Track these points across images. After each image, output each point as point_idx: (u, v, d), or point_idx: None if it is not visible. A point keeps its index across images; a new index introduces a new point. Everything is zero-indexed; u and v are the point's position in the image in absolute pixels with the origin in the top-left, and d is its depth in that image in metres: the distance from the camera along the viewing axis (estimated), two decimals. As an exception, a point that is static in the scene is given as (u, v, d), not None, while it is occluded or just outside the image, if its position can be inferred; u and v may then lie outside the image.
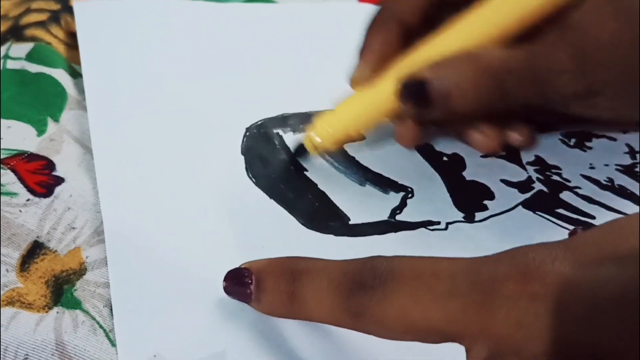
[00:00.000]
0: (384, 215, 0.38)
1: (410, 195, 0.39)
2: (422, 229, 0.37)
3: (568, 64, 0.37)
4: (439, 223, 0.38)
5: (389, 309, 0.26)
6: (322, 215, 0.38)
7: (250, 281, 0.30)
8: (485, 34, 0.37)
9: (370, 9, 0.41)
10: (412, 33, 0.38)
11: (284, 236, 0.36)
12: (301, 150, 0.40)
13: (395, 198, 0.39)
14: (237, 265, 0.31)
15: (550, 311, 0.23)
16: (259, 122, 0.43)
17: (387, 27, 0.39)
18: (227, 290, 0.31)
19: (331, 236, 0.37)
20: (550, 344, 0.23)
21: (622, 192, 0.41)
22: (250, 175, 0.40)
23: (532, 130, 0.42)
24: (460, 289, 0.25)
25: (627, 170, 0.42)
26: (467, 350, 0.25)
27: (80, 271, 0.34)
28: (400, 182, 0.40)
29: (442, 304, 0.25)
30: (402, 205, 0.39)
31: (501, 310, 0.24)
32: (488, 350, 0.24)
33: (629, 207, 0.40)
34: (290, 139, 0.42)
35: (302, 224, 0.37)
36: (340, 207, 0.38)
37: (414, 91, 0.36)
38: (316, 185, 0.39)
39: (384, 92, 0.38)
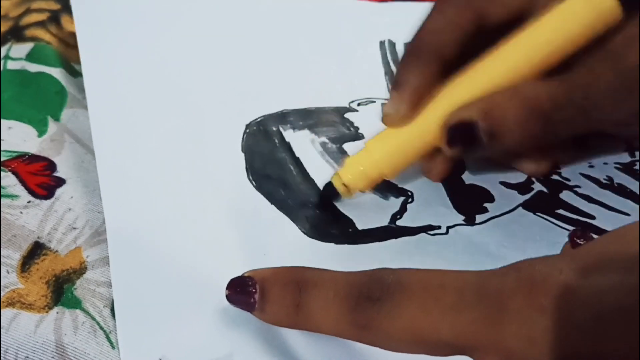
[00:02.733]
0: (384, 222, 0.38)
1: (410, 200, 0.39)
2: (423, 234, 0.37)
3: (613, 88, 0.35)
4: (439, 227, 0.38)
5: (397, 321, 0.26)
6: (323, 223, 0.38)
7: (254, 290, 0.30)
8: (526, 64, 0.35)
9: (369, 6, 0.41)
10: (449, 67, 0.36)
11: (286, 244, 0.36)
12: (329, 189, 0.38)
13: (395, 203, 0.39)
14: (240, 271, 0.31)
15: (559, 325, 0.23)
16: (259, 119, 0.43)
17: (424, 61, 0.36)
18: (230, 298, 0.31)
19: (332, 244, 0.37)
20: (560, 358, 0.23)
21: (622, 191, 0.41)
22: (250, 177, 0.40)
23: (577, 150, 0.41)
24: (468, 303, 0.25)
25: (626, 168, 0.42)
26: None
27: (81, 270, 0.34)
28: (399, 185, 0.40)
29: (450, 317, 0.25)
30: (402, 210, 0.39)
31: (511, 325, 0.24)
32: None
33: (629, 207, 0.40)
34: (290, 136, 0.42)
35: (304, 232, 0.37)
36: (342, 215, 0.38)
37: (462, 134, 0.34)
38: (317, 191, 0.39)
39: (422, 130, 0.36)
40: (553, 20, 0.35)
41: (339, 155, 0.41)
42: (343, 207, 0.39)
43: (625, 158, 0.43)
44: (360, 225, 0.38)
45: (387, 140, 0.37)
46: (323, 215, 0.38)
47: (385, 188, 0.40)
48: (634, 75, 0.35)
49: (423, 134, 0.36)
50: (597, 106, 0.35)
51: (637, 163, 0.43)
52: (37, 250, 0.35)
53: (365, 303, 0.27)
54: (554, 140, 0.37)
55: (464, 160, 0.40)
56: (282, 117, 0.43)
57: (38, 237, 0.36)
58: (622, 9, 0.35)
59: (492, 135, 0.34)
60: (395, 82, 0.36)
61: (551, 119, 0.35)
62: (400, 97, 0.36)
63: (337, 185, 0.37)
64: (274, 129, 0.43)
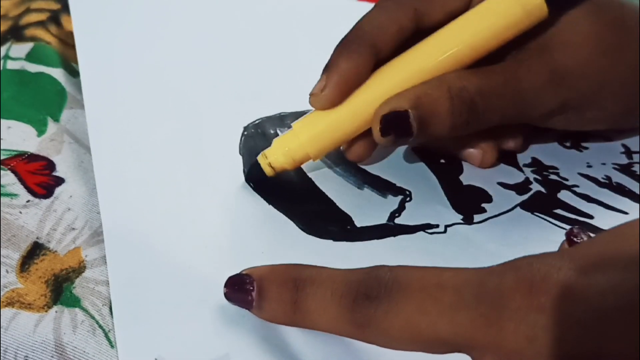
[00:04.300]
0: (382, 219, 0.38)
1: (408, 198, 0.39)
2: (421, 233, 0.37)
3: (545, 83, 0.37)
4: (437, 226, 0.38)
5: (395, 320, 0.26)
6: (321, 220, 0.38)
7: (251, 288, 0.30)
8: (453, 55, 0.37)
9: (368, 7, 0.41)
10: (382, 61, 0.38)
11: (284, 241, 0.36)
12: (255, 169, 0.38)
13: (393, 201, 0.39)
14: (238, 269, 0.31)
15: (558, 324, 0.23)
16: (257, 122, 0.43)
17: (359, 50, 0.37)
18: (228, 296, 0.31)
19: (330, 241, 0.37)
20: (559, 357, 0.23)
21: (620, 190, 0.41)
22: (247, 178, 0.39)
23: (524, 134, 0.42)
24: (467, 302, 0.25)
25: (624, 169, 0.42)
26: None
27: (80, 269, 0.34)
28: (398, 184, 0.40)
29: (449, 316, 0.25)
30: (401, 208, 0.39)
31: (510, 324, 0.24)
32: None
33: (628, 205, 0.40)
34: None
35: (302, 229, 0.37)
36: (340, 212, 0.38)
37: (393, 123, 0.36)
38: (315, 189, 0.39)
39: (349, 115, 0.37)
40: (479, 14, 0.37)
41: (336, 158, 0.41)
42: (342, 203, 0.39)
43: (622, 160, 0.43)
44: (358, 223, 0.38)
45: (314, 122, 0.38)
46: (321, 212, 0.38)
47: (383, 186, 0.40)
48: (562, 72, 0.37)
49: (350, 119, 0.37)
50: (525, 98, 0.37)
51: (635, 165, 0.43)
52: (36, 250, 0.35)
53: (363, 301, 0.27)
54: (481, 128, 0.38)
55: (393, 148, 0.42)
56: (280, 120, 0.43)
57: (37, 238, 0.36)
58: (548, 7, 0.36)
59: (422, 123, 0.36)
60: (326, 65, 0.38)
61: (477, 107, 0.36)
62: (330, 81, 0.37)
63: (263, 164, 0.38)
64: (272, 131, 0.43)
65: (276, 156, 0.38)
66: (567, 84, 0.38)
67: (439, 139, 0.38)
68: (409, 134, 0.36)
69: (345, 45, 0.38)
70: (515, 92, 0.37)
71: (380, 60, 0.37)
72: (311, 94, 0.37)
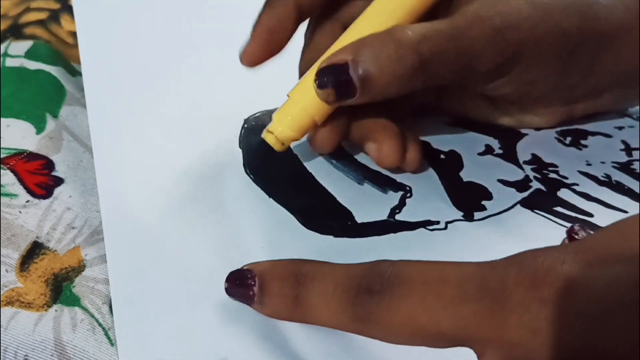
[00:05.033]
0: (383, 215, 0.38)
1: (409, 194, 0.39)
2: (422, 229, 0.37)
3: (486, 36, 0.36)
4: (438, 222, 0.38)
5: (397, 314, 0.26)
6: (322, 215, 0.38)
7: (253, 283, 0.30)
8: (401, 12, 0.36)
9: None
10: (307, 14, 0.38)
11: (284, 236, 0.36)
12: (263, 148, 0.37)
13: (394, 197, 0.39)
14: (238, 266, 0.31)
15: (562, 316, 0.23)
16: (257, 114, 0.43)
17: (280, 4, 0.37)
18: (229, 291, 0.30)
19: (331, 237, 0.36)
20: (563, 350, 0.23)
21: (620, 189, 0.41)
22: (247, 171, 0.40)
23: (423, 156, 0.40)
24: (470, 295, 0.25)
25: (623, 167, 0.42)
26: (479, 355, 0.25)
27: (79, 268, 0.34)
28: (398, 180, 0.40)
29: (452, 309, 0.25)
30: (401, 204, 0.39)
31: (513, 316, 0.24)
32: (501, 356, 0.24)
33: (627, 204, 0.40)
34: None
35: (302, 223, 0.37)
36: (341, 207, 0.38)
37: (334, 76, 0.34)
38: (316, 183, 0.39)
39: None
40: None
41: (336, 152, 0.41)
42: (342, 198, 0.39)
43: (622, 157, 0.43)
44: (359, 218, 0.38)
45: (310, 86, 0.36)
46: (322, 206, 0.38)
47: (383, 181, 0.40)
48: (512, 22, 0.36)
49: None
50: (469, 51, 0.36)
51: (635, 162, 0.43)
52: (36, 249, 0.35)
53: (365, 296, 0.27)
54: (428, 84, 0.36)
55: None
56: None
57: (37, 237, 0.36)
58: None
59: (365, 77, 0.34)
60: (254, 24, 0.38)
61: (426, 58, 0.35)
62: (255, 38, 0.38)
63: (271, 140, 0.37)
64: None
65: (281, 128, 0.37)
66: (510, 35, 0.36)
67: (386, 96, 0.36)
68: (351, 89, 0.34)
69: (267, 3, 0.38)
70: (460, 45, 0.35)
71: (305, 12, 0.38)
72: (240, 54, 0.38)
